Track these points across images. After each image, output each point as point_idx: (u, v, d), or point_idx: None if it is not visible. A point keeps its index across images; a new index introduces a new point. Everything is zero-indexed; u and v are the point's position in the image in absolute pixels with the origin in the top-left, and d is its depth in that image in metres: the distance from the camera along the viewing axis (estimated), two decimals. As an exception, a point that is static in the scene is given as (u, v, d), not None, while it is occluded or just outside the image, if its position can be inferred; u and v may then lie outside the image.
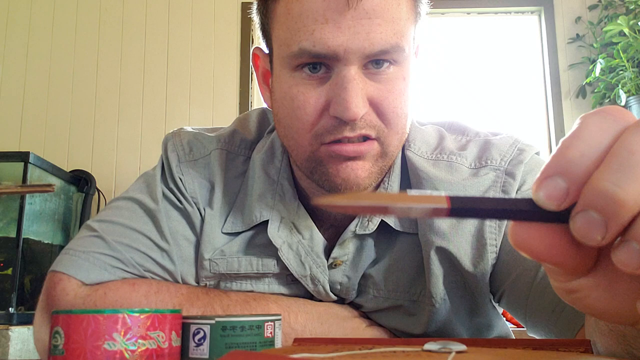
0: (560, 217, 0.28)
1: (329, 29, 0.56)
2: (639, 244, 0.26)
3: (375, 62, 0.59)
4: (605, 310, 0.30)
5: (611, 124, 0.28)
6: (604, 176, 0.26)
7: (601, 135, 0.27)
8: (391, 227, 0.68)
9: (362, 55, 0.57)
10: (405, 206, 0.27)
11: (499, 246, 0.65)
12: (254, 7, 0.68)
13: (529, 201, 0.28)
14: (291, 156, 0.68)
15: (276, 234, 0.69)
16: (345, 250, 0.69)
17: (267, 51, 0.68)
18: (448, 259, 0.66)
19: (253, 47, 0.72)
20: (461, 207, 0.28)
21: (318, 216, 0.71)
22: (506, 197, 0.30)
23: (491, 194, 0.66)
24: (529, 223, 0.28)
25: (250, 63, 2.84)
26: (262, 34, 0.67)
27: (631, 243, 0.26)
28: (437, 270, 0.66)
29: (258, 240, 0.71)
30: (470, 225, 0.66)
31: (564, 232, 0.28)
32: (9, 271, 2.06)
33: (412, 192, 0.28)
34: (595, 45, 2.66)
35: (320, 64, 0.59)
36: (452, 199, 0.27)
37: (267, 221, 0.70)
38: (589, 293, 0.30)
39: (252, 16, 0.69)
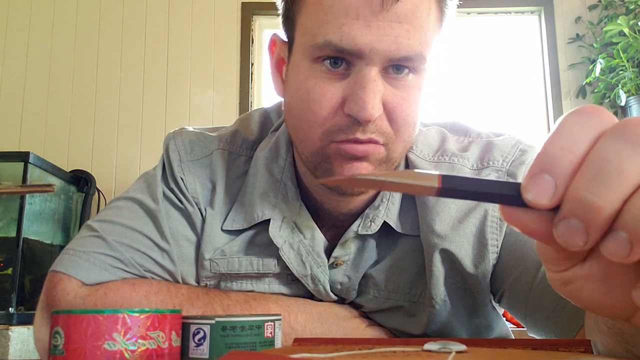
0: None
1: (359, 26, 0.56)
2: (626, 233, 0.27)
3: (396, 67, 0.59)
4: (600, 302, 0.31)
5: (588, 120, 0.29)
6: (581, 185, 0.27)
7: (579, 131, 0.29)
8: (393, 229, 0.68)
9: (386, 58, 0.57)
10: (399, 181, 0.29)
11: (499, 246, 0.65)
12: None
13: (518, 186, 0.29)
14: (297, 149, 0.67)
15: (277, 233, 0.69)
16: (347, 250, 0.69)
17: (285, 39, 0.67)
18: (450, 260, 0.66)
19: (272, 34, 0.71)
20: (451, 188, 0.29)
21: (320, 216, 0.71)
22: (499, 180, 0.31)
23: None
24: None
25: (252, 58, 2.85)
26: (285, 20, 0.66)
27: (619, 232, 0.27)
28: (438, 272, 0.66)
29: (259, 239, 0.71)
30: (471, 225, 0.66)
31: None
32: (9, 271, 2.06)
33: (408, 171, 0.29)
34: (595, 45, 2.66)
35: (342, 60, 0.58)
36: (444, 179, 0.29)
37: (268, 220, 0.70)
38: (583, 284, 0.31)
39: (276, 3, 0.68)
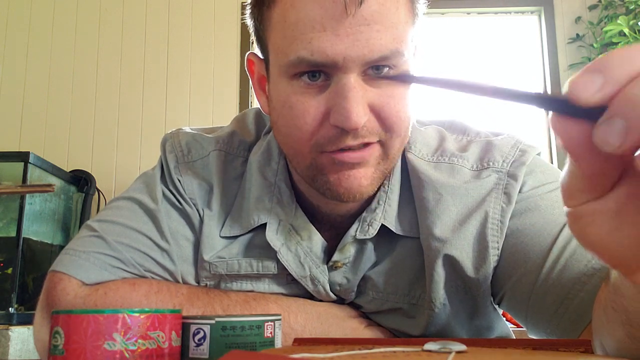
0: (591, 115, 0.28)
1: (327, 37, 0.55)
2: None
3: (375, 67, 0.58)
4: (608, 243, 0.31)
5: None
6: (636, 85, 0.27)
7: None
8: (392, 231, 0.68)
9: (362, 63, 0.56)
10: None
11: (500, 249, 0.65)
12: (247, 12, 0.66)
13: (564, 97, 0.29)
14: (291, 164, 0.67)
15: (274, 236, 0.69)
16: (346, 254, 0.69)
17: (262, 56, 0.67)
18: (450, 264, 0.65)
19: (247, 53, 0.70)
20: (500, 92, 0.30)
21: (317, 218, 0.71)
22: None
23: (493, 196, 0.65)
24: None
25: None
26: (257, 39, 0.66)
27: None
28: (438, 276, 0.66)
29: (257, 242, 0.71)
30: (472, 228, 0.65)
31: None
32: (9, 271, 2.06)
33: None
34: (595, 45, 2.67)
35: (319, 72, 0.58)
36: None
37: (266, 224, 0.70)
38: (595, 218, 0.31)
39: (245, 22, 0.68)
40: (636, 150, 0.27)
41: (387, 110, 0.59)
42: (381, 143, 0.61)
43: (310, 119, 0.58)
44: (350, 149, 0.59)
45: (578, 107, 0.28)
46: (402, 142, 0.63)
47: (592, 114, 0.28)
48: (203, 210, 0.71)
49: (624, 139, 0.27)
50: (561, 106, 0.29)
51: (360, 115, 0.56)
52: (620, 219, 0.30)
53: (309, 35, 0.55)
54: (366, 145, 0.60)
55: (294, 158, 0.64)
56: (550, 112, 0.30)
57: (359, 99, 0.56)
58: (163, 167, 0.74)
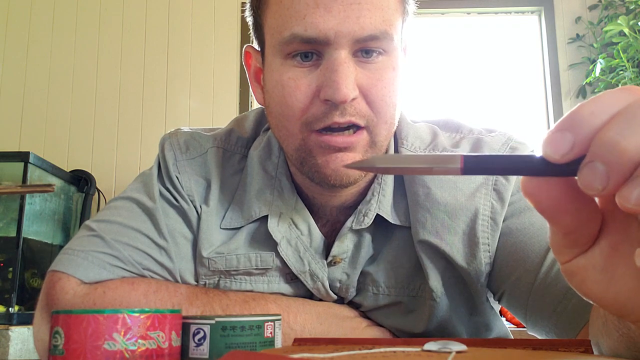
0: (568, 171, 0.29)
1: (320, 13, 0.58)
2: None
3: (365, 51, 0.60)
4: (603, 294, 0.31)
5: (626, 95, 0.29)
6: (610, 128, 0.27)
7: (614, 101, 0.28)
8: (388, 222, 0.69)
9: (352, 39, 0.59)
10: (422, 165, 0.30)
11: (492, 246, 0.65)
12: (247, 6, 0.69)
13: (539, 158, 0.30)
14: (283, 147, 0.68)
15: (276, 228, 0.70)
16: (344, 247, 0.69)
17: (258, 48, 0.69)
18: (443, 257, 0.66)
19: (245, 46, 0.72)
20: (474, 167, 0.30)
21: (314, 212, 0.72)
22: (517, 154, 0.32)
23: (483, 192, 0.66)
24: (539, 178, 0.30)
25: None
26: (255, 28, 0.69)
27: (636, 179, 0.27)
28: (433, 267, 0.66)
29: (256, 236, 0.71)
30: (461, 223, 0.66)
31: (570, 186, 0.30)
32: (10, 271, 2.06)
33: (429, 154, 0.30)
34: (595, 45, 2.66)
35: (312, 53, 0.60)
36: (466, 159, 0.30)
37: (266, 217, 0.70)
38: (587, 274, 0.31)
39: (245, 16, 0.71)
40: (618, 189, 0.27)
41: (374, 92, 0.61)
42: (368, 130, 0.62)
43: (302, 96, 0.60)
44: (338, 128, 0.60)
45: (554, 165, 0.29)
46: (388, 129, 0.64)
47: (570, 170, 0.29)
48: (201, 207, 0.72)
49: (607, 181, 0.27)
50: (537, 167, 0.29)
51: (349, 88, 0.58)
52: (609, 272, 0.31)
53: (302, 12, 0.59)
54: (354, 132, 0.61)
55: (284, 139, 0.65)
56: (525, 175, 0.30)
57: (348, 73, 0.58)
58: (160, 165, 0.75)
